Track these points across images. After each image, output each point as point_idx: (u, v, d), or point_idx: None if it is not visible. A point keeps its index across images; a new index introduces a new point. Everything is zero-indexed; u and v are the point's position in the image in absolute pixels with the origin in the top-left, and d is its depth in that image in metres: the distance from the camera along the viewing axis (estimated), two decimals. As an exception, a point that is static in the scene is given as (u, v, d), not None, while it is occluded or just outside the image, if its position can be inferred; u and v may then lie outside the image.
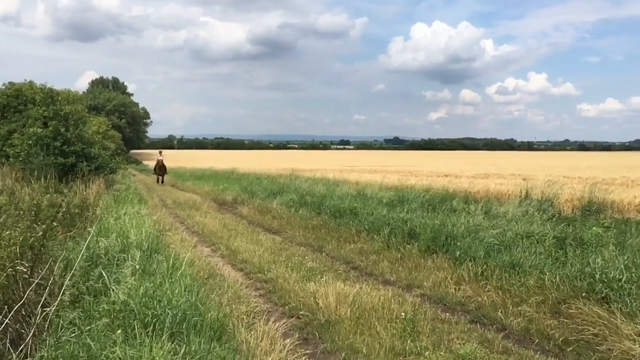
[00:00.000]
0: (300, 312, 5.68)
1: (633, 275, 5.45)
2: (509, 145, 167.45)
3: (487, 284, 6.50)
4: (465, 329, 5.32)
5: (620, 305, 5.05)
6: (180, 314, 4.12)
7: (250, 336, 4.60)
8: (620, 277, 5.47)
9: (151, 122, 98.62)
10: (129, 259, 5.37)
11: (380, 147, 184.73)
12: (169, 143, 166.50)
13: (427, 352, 4.60)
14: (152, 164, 39.41)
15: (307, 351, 4.69)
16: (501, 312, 5.73)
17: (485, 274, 6.75)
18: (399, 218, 9.70)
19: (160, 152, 31.71)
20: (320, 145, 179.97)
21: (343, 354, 4.66)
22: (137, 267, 5.15)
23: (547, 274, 6.08)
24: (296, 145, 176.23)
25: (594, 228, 8.16)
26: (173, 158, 56.83)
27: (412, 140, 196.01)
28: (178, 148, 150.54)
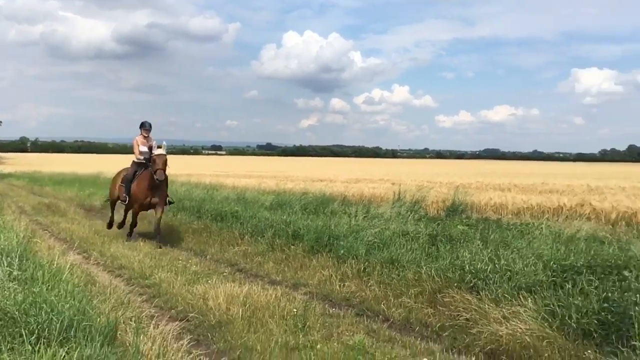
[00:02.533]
0: (190, 315, 5.58)
1: (496, 266, 6.06)
2: (375, 152, 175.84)
3: (370, 279, 6.86)
4: (353, 322, 5.59)
5: (487, 293, 5.61)
6: (67, 320, 3.88)
7: (142, 340, 4.44)
8: (486, 267, 6.07)
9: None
10: (3, 264, 4.92)
11: (253, 152, 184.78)
12: (21, 145, 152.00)
13: (319, 345, 4.77)
14: (3, 168, 35.21)
15: (201, 352, 4.63)
16: (384, 304, 6.10)
17: (367, 270, 7.12)
18: (282, 220, 9.87)
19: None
20: (192, 150, 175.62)
21: (237, 353, 4.67)
22: (15, 273, 4.73)
23: (423, 267, 6.57)
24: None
25: (459, 226, 8.92)
26: (27, 162, 52.01)
27: (284, 147, 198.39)
28: (32, 151, 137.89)
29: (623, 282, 5.06)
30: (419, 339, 5.17)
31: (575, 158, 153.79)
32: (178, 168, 46.12)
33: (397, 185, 16.94)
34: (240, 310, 5.56)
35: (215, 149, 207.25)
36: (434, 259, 6.94)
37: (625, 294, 4.80)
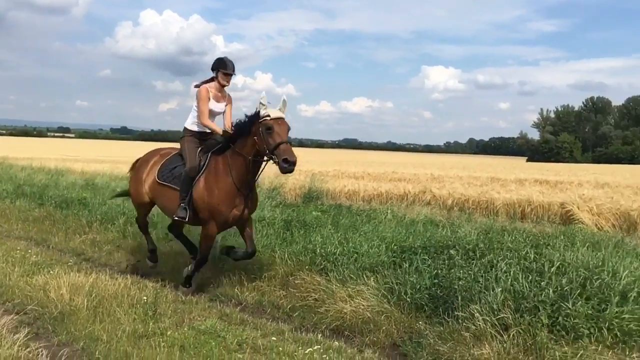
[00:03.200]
0: (29, 307, 5.21)
1: (344, 248, 6.45)
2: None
3: (224, 265, 6.91)
4: (206, 307, 5.62)
5: (335, 274, 5.96)
6: None
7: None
8: (335, 250, 6.43)
9: None
10: None
11: (107, 136, 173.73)
12: None
13: (169, 332, 4.73)
14: None
15: (40, 345, 4.36)
16: (237, 289, 6.19)
17: (221, 257, 7.15)
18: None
19: None
20: (35, 132, 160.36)
21: (81, 344, 4.48)
22: None
23: (277, 252, 6.78)
24: (4, 131, 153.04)
25: (314, 212, 9.31)
26: None
27: (141, 131, 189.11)
28: None
29: (450, 260, 5.67)
30: (270, 320, 5.35)
31: (423, 149, 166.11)
32: (17, 151, 42.06)
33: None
34: (86, 300, 5.31)
35: (63, 131, 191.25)
36: (288, 244, 7.18)
37: (452, 270, 5.40)
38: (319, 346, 4.38)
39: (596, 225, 10.07)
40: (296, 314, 5.49)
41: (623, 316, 4.29)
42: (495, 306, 4.71)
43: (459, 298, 5.01)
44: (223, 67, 6.14)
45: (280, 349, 4.34)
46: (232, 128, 5.96)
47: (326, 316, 5.31)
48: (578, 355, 4.08)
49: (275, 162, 5.43)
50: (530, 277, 4.99)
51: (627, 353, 4.13)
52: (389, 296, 5.37)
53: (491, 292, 4.95)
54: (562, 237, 7.54)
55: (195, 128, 6.31)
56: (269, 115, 5.50)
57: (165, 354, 4.22)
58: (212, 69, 6.21)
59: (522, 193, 13.20)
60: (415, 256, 5.98)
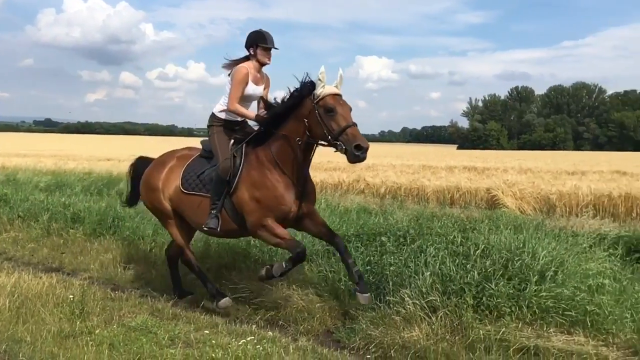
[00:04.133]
0: (-56, 312, 4.91)
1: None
2: (171, 130, 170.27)
3: (156, 259, 6.77)
4: (136, 303, 5.49)
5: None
6: None
7: None
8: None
9: None
10: None
11: (29, 129, 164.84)
12: None
13: (97, 330, 4.59)
14: None
15: (-44, 351, 4.13)
16: (170, 283, 6.06)
17: (154, 250, 7.01)
18: (60, 203, 9.13)
19: None
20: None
21: (4, 346, 4.27)
22: None
23: (212, 244, 6.71)
24: None
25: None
26: None
27: (67, 123, 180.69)
28: None
29: (382, 247, 5.81)
30: (204, 313, 5.29)
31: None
32: None
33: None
34: (7, 301, 5.07)
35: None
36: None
37: (383, 257, 5.53)
38: (253, 337, 4.39)
39: (519, 208, 10.58)
40: (231, 305, 5.45)
41: (541, 294, 4.55)
42: (424, 290, 4.88)
43: (390, 283, 5.15)
44: (262, 41, 5.11)
45: (214, 341, 4.31)
46: (267, 109, 5.07)
47: (261, 307, 5.32)
48: (500, 333, 4.30)
49: (340, 150, 4.46)
50: (457, 261, 5.19)
51: (545, 329, 4.39)
52: (323, 284, 5.45)
53: (420, 276, 5.11)
54: (487, 221, 7.85)
55: (224, 115, 5.26)
56: (325, 94, 4.58)
57: (94, 352, 4.09)
58: (247, 46, 5.19)
59: (451, 180, 13.62)
60: (349, 244, 6.07)
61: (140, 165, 6.12)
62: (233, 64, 5.23)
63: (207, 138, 5.37)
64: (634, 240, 7.22)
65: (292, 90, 4.82)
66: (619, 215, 10.52)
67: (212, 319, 5.12)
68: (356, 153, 4.36)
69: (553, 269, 4.90)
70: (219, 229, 5.04)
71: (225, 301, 5.25)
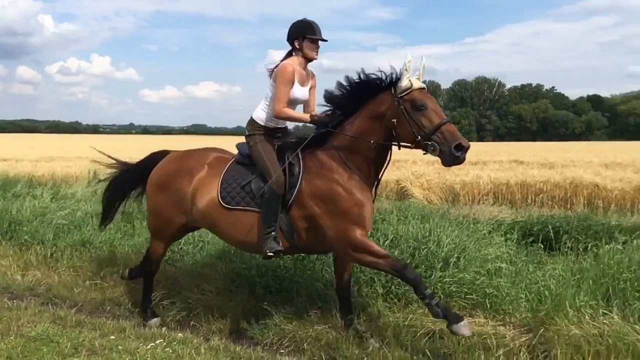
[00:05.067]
0: None
1: (190, 237, 6.30)
2: (74, 128, 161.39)
3: (58, 264, 6.42)
4: (37, 312, 5.15)
5: (182, 264, 5.84)
6: None
7: None
8: (180, 241, 6.25)
9: None
10: None
11: None
12: None
13: (-7, 343, 4.29)
14: None
15: None
16: (74, 289, 5.78)
17: (55, 255, 6.64)
18: (-53, 208, 8.38)
19: None
20: None
21: None
22: None
23: (118, 247, 6.45)
24: None
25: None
26: None
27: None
28: None
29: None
30: (111, 319, 5.07)
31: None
32: None
33: (96, 164, 15.95)
34: None
35: None
36: (130, 237, 6.87)
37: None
38: (163, 340, 4.28)
39: (426, 199, 11.06)
40: (138, 309, 5.27)
41: (445, 280, 4.79)
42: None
43: (305, 276, 5.21)
44: (310, 32, 4.32)
45: (121, 347, 4.15)
46: (335, 105, 4.25)
47: (171, 308, 5.19)
48: (408, 319, 4.47)
49: (432, 152, 3.81)
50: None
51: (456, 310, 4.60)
52: (236, 280, 5.40)
53: (333, 268, 5.21)
54: (396, 212, 8.13)
55: (269, 122, 4.45)
56: (411, 87, 3.90)
57: (-12, 368, 3.82)
58: (291, 38, 4.38)
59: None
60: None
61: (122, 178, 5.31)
62: (281, 62, 4.41)
63: (243, 141, 4.58)
64: (528, 225, 7.75)
65: (357, 83, 4.11)
66: (515, 201, 11.28)
67: (119, 324, 4.91)
68: (456, 154, 3.73)
69: (456, 255, 5.16)
70: (284, 251, 4.26)
71: (155, 321, 4.90)
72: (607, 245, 5.21)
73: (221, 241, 6.12)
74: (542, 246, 5.83)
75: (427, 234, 5.62)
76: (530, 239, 6.50)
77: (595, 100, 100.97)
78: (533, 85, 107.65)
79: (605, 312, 4.14)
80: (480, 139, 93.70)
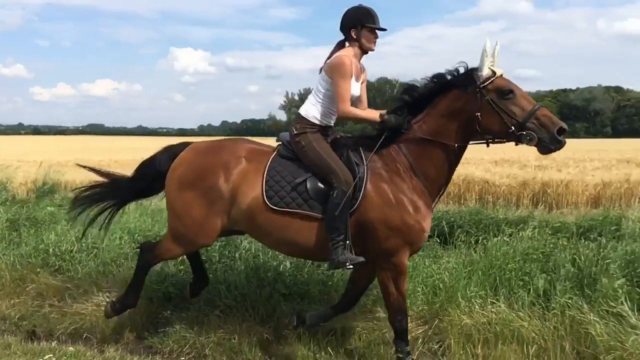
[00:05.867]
0: None
1: (82, 245, 5.97)
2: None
3: None
4: None
5: (72, 274, 5.51)
6: None
7: None
8: (72, 248, 5.93)
9: None
10: None
11: None
12: None
13: None
14: None
15: None
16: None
17: None
18: None
19: None
20: None
21: None
22: None
23: (2, 257, 5.97)
24: None
25: (48, 207, 8.40)
26: None
27: None
28: None
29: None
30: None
31: (177, 133, 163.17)
32: None
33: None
34: None
35: None
36: (16, 246, 6.39)
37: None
38: (52, 355, 4.01)
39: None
40: (26, 322, 4.91)
41: (345, 277, 4.87)
42: (238, 283, 4.92)
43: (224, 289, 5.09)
44: (369, 20, 3.85)
45: (4, 365, 3.85)
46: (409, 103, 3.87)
47: (62, 320, 4.88)
48: (311, 318, 4.51)
49: (528, 142, 3.45)
50: (270, 253, 5.32)
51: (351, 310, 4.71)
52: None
53: (235, 270, 5.15)
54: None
55: (324, 120, 3.97)
56: (494, 74, 3.56)
57: None
58: (348, 27, 3.89)
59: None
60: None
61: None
62: (332, 53, 3.97)
63: (286, 133, 4.09)
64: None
65: (430, 81, 3.76)
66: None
67: (4, 339, 4.56)
68: (559, 138, 3.40)
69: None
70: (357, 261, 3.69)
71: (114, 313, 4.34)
72: (495, 238, 5.57)
73: (116, 247, 5.90)
74: (438, 240, 6.08)
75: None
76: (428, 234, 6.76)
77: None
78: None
79: (494, 301, 4.43)
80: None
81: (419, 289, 4.81)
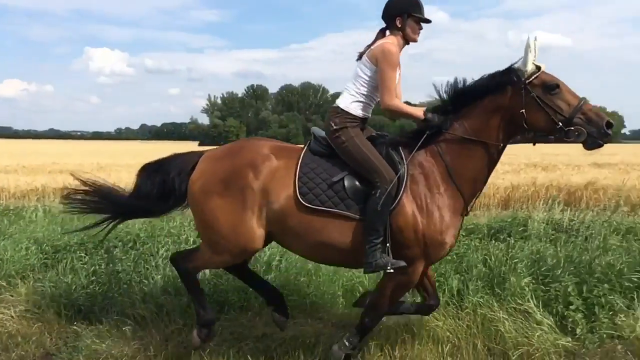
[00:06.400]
0: None
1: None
2: None
3: None
4: None
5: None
6: None
7: None
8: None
9: None
10: None
11: None
12: None
13: None
14: None
15: None
16: None
17: None
18: None
19: None
20: None
21: None
22: None
23: None
24: None
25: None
26: None
27: None
28: None
29: (109, 255, 5.47)
30: None
31: (92, 136, 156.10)
32: None
33: None
34: None
35: None
36: None
37: (110, 265, 5.22)
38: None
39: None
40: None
41: (268, 283, 4.83)
42: (154, 293, 4.77)
43: (120, 291, 4.90)
44: (416, 10, 3.67)
45: None
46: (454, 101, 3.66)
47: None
48: (232, 326, 4.45)
49: (577, 137, 3.33)
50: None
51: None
52: (40, 300, 4.89)
53: (151, 280, 4.98)
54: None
55: (365, 112, 3.77)
56: (538, 69, 3.44)
57: None
58: (392, 15, 3.69)
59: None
60: (71, 254, 5.58)
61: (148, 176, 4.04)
62: (377, 41, 3.72)
63: (315, 128, 3.90)
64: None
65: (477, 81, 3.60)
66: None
67: None
68: (608, 131, 3.31)
69: (278, 258, 5.26)
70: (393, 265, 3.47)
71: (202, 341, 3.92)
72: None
73: (22, 258, 5.55)
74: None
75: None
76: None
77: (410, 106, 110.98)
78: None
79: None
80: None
81: (339, 292, 4.85)
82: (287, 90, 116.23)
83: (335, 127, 3.67)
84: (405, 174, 3.53)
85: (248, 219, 3.57)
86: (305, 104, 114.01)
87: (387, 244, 3.45)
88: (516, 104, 3.45)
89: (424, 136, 3.58)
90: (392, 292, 3.66)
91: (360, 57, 3.75)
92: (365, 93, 3.71)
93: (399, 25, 3.66)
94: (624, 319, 4.26)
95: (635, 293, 4.50)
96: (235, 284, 4.88)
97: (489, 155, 3.58)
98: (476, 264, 5.00)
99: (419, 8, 3.66)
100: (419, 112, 3.69)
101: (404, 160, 3.57)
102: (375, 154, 3.58)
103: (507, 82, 3.47)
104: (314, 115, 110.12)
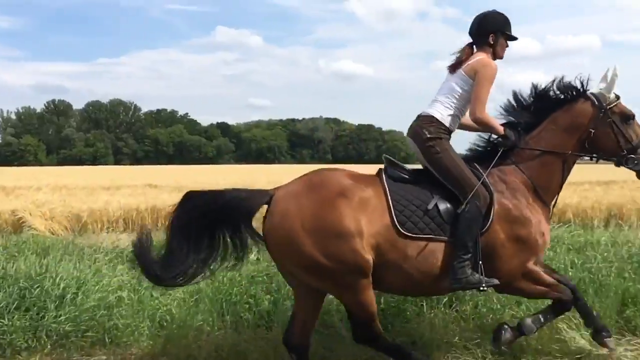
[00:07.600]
0: None
1: None
2: None
3: None
4: None
5: None
6: None
7: None
8: None
9: None
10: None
11: None
12: None
13: None
14: None
15: None
16: None
17: None
18: None
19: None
20: None
21: None
22: None
23: None
24: None
25: None
26: None
27: None
28: None
29: None
30: None
31: None
32: None
33: None
34: None
35: None
36: None
37: None
38: None
39: (49, 229, 10.07)
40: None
41: (60, 319, 4.38)
42: None
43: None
44: (509, 29, 3.77)
45: None
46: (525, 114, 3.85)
47: None
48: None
49: (635, 165, 3.70)
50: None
51: (66, 355, 4.25)
52: None
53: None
54: (13, 247, 7.21)
55: (453, 125, 3.77)
56: (617, 98, 3.74)
57: None
58: (488, 31, 3.74)
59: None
60: None
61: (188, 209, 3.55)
62: (465, 53, 3.79)
63: (393, 159, 3.73)
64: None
65: (546, 92, 3.80)
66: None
67: None
68: None
69: (73, 290, 4.79)
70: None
71: None
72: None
73: None
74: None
75: (44, 271, 5.08)
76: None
77: (223, 127, 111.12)
78: (168, 111, 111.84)
79: (221, 328, 4.49)
80: (117, 162, 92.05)
81: (143, 324, 4.58)
82: (94, 107, 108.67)
83: (429, 136, 3.65)
84: (493, 191, 3.59)
85: (360, 253, 3.36)
86: (115, 122, 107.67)
87: (480, 262, 3.48)
88: (593, 125, 3.72)
89: (500, 152, 3.74)
90: (536, 289, 3.73)
91: (453, 70, 3.79)
92: (459, 107, 3.77)
93: (492, 42, 3.76)
94: None
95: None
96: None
97: (566, 167, 3.83)
98: (284, 283, 5.10)
99: (510, 27, 3.81)
100: (500, 128, 3.79)
101: (484, 175, 3.64)
102: (466, 168, 3.62)
103: (591, 103, 3.74)
104: (124, 134, 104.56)
